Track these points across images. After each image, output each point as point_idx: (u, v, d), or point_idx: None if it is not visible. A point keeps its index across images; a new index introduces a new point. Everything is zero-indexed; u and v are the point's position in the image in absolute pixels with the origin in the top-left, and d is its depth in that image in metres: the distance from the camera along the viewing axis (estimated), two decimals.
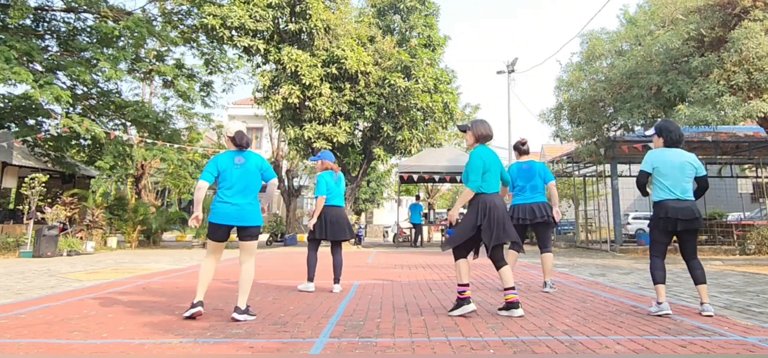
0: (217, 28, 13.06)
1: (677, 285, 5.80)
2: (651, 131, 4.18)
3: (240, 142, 3.86)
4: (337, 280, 5.22)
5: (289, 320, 3.66)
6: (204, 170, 3.78)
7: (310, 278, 5.19)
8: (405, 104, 14.19)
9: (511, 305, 3.79)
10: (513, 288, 3.81)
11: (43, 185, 11.11)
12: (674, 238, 3.96)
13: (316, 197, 5.17)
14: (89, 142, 14.92)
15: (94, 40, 13.76)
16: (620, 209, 13.28)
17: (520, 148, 5.33)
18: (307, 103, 13.81)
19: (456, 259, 3.91)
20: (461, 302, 3.83)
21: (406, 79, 14.18)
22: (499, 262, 3.87)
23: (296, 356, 2.69)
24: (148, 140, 14.52)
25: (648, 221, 4.04)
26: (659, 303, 3.80)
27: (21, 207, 12.35)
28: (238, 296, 3.73)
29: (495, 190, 3.91)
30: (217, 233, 3.74)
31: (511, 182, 5.22)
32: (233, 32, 13.50)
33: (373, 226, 29.75)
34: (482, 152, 3.92)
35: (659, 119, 4.49)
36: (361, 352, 2.77)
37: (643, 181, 3.96)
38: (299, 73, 13.26)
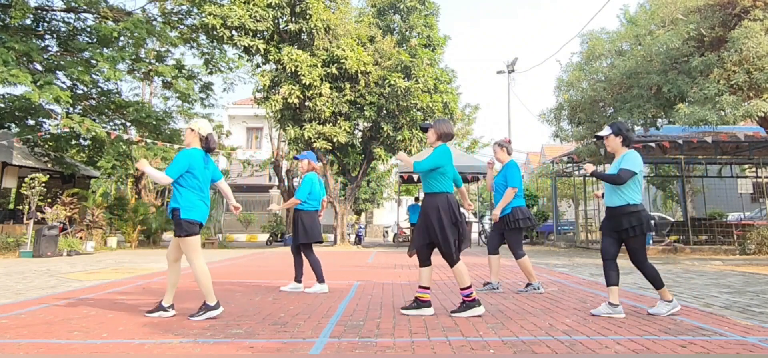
0: (218, 27, 13.07)
1: (677, 285, 5.80)
2: (606, 131, 3.94)
3: (213, 147, 3.88)
4: (322, 279, 5.20)
5: (289, 320, 3.66)
6: (173, 166, 3.64)
7: (322, 279, 5.17)
8: (405, 104, 14.19)
9: (422, 303, 3.87)
10: (428, 288, 3.92)
11: (43, 185, 11.11)
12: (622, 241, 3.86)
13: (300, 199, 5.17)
14: (89, 142, 14.93)
15: (94, 40, 13.77)
16: None
17: (509, 148, 5.31)
18: (307, 103, 13.82)
19: (454, 264, 3.83)
20: (470, 304, 3.81)
21: (406, 79, 14.18)
22: (427, 261, 3.97)
23: (296, 356, 2.69)
24: (149, 140, 14.52)
25: (642, 225, 3.75)
26: (669, 301, 3.82)
27: (21, 207, 12.35)
28: (168, 295, 3.81)
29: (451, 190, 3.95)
30: (197, 230, 3.75)
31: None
32: (233, 32, 13.51)
33: (373, 226, 29.75)
34: (447, 150, 3.92)
35: (616, 121, 4.32)
36: (361, 352, 2.77)
37: (626, 179, 3.71)
38: (299, 73, 13.26)
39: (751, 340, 3.03)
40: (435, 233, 3.77)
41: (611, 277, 3.81)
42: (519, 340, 3.03)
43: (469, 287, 3.81)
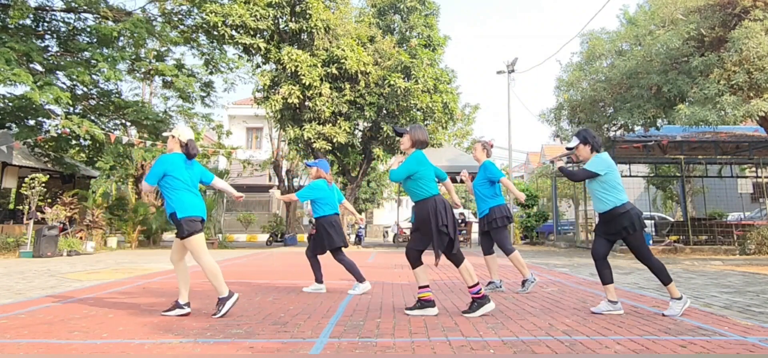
0: (219, 26, 13.07)
1: (677, 285, 5.79)
2: (574, 142, 4.08)
3: (194, 153, 3.92)
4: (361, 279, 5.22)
5: (289, 320, 3.66)
6: (151, 174, 3.76)
7: (361, 278, 5.15)
8: (405, 104, 14.18)
9: (425, 303, 3.88)
10: (428, 286, 3.93)
11: (43, 185, 11.10)
12: (617, 240, 3.94)
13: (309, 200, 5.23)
14: (89, 142, 14.92)
15: (94, 40, 13.76)
16: None
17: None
18: (307, 103, 13.81)
19: (437, 264, 3.84)
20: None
21: (406, 79, 14.17)
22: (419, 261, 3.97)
23: (296, 356, 2.69)
24: (148, 141, 14.52)
25: (634, 223, 3.82)
26: (678, 298, 3.79)
27: (21, 207, 12.33)
28: (182, 293, 3.87)
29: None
30: (200, 226, 3.81)
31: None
32: (234, 31, 13.51)
33: (373, 226, 29.75)
34: (421, 157, 3.91)
35: (582, 129, 4.37)
36: (361, 352, 2.77)
37: (581, 177, 3.94)
38: (299, 73, 13.26)
39: (751, 340, 3.03)
40: (430, 238, 3.78)
41: (605, 276, 3.89)
42: (519, 340, 3.03)
43: (477, 284, 3.80)
